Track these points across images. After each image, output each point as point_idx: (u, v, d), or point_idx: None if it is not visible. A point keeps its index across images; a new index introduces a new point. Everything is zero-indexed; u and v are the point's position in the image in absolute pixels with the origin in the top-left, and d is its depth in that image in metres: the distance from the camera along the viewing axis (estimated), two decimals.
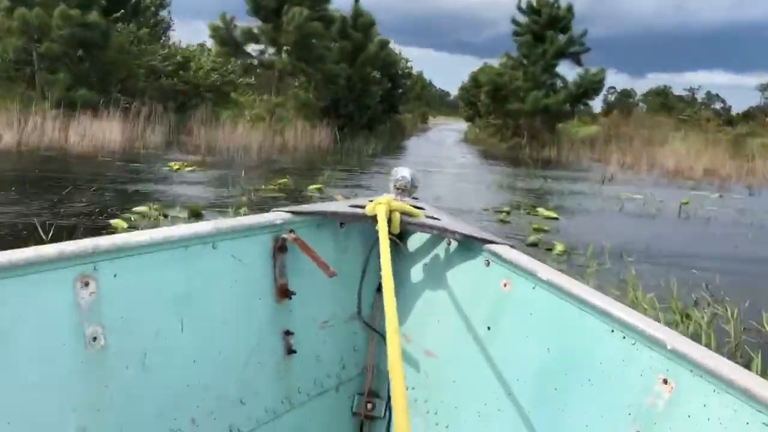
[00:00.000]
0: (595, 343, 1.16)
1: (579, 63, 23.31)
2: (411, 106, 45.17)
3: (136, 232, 1.16)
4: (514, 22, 23.87)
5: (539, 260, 1.34)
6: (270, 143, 17.47)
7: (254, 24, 19.79)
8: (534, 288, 1.28)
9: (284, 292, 1.38)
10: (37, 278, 0.98)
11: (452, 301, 1.46)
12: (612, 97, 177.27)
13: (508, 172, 15.51)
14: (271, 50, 19.72)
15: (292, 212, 1.42)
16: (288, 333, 1.41)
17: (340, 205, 1.54)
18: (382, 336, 1.46)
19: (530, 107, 22.65)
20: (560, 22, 22.96)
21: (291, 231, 1.39)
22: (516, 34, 23.89)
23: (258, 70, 21.23)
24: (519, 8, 23.66)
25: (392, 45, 25.66)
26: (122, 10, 19.79)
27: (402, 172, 1.62)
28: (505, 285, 1.36)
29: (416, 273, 1.56)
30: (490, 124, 25.87)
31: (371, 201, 1.47)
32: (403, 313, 1.46)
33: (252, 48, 19.62)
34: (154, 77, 20.58)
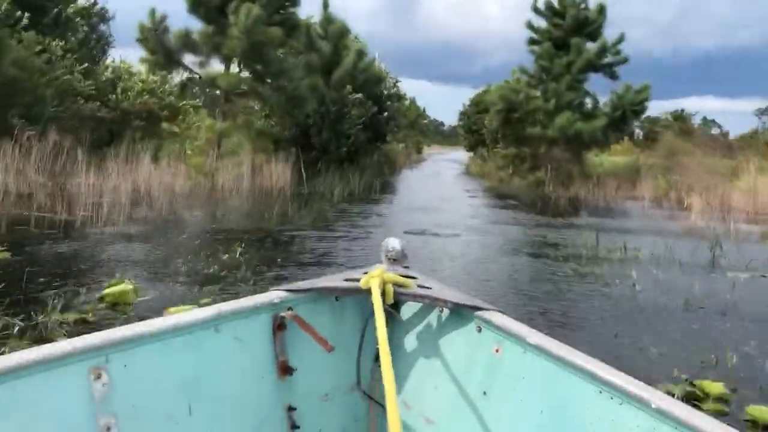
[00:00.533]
0: (584, 404, 1.19)
1: (613, 77, 18.23)
2: (403, 135, 40.96)
3: (144, 322, 1.21)
4: (530, 26, 18.86)
5: (529, 325, 1.37)
6: (204, 186, 12.24)
7: (195, 27, 14.55)
8: (525, 352, 1.33)
9: (285, 369, 1.44)
10: (52, 375, 1.04)
11: (448, 368, 1.50)
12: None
13: (548, 230, 9.99)
14: (215, 62, 14.50)
15: (290, 290, 1.50)
16: (291, 408, 1.46)
17: (335, 279, 1.59)
18: (382, 406, 1.41)
19: (556, 133, 17.49)
20: (588, 26, 17.96)
21: (289, 308, 1.46)
22: (532, 42, 18.83)
23: (195, 89, 15.99)
24: (535, 9, 18.66)
25: (377, 63, 20.52)
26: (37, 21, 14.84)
27: (392, 243, 1.70)
28: (497, 350, 1.42)
29: (411, 341, 1.60)
30: (500, 153, 20.64)
31: (365, 273, 1.53)
32: (401, 381, 1.51)
33: (190, 59, 14.39)
34: (71, 100, 15.45)
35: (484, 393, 1.42)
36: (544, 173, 18.11)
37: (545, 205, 13.73)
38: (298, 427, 1.46)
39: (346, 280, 1.55)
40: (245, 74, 14.39)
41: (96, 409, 1.10)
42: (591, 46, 18.32)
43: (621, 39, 18.19)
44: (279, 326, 1.45)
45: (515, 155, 19.52)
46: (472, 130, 31.20)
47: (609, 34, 18.07)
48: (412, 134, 45.18)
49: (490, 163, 24.14)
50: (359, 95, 16.74)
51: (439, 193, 16.19)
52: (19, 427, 1.00)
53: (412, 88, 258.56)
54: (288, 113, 14.53)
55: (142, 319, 1.36)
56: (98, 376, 1.11)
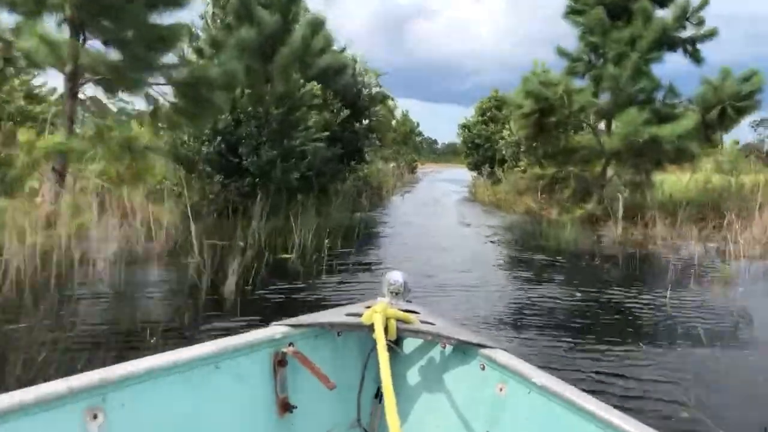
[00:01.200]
0: None
1: (696, 58, 12.02)
2: (393, 152, 35.17)
3: (142, 359, 1.16)
4: None
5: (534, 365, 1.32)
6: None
7: None
8: (529, 392, 1.31)
9: (286, 406, 1.42)
10: (47, 416, 1.01)
11: (450, 406, 1.48)
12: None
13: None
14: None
15: (291, 325, 1.47)
16: None
17: (336, 313, 1.56)
18: None
19: (618, 143, 11.25)
20: None
21: (290, 344, 1.43)
22: (573, 12, 12.60)
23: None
24: None
25: (350, 55, 14.28)
26: None
27: (395, 276, 1.65)
28: (501, 389, 1.39)
29: (413, 378, 1.58)
30: (530, 174, 14.31)
31: (367, 308, 1.51)
32: (402, 418, 1.45)
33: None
34: None
35: None
36: (597, 202, 11.75)
37: (647, 266, 7.33)
38: None
39: (348, 315, 1.53)
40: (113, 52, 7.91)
41: None
42: (663, 14, 12.05)
43: (705, 3, 11.95)
44: (280, 362, 1.42)
45: (553, 176, 13.10)
46: (476, 145, 24.94)
47: None
48: (405, 151, 39.90)
49: (505, 185, 17.78)
50: (315, 85, 10.35)
51: (447, 239, 9.93)
52: None
53: (404, 106, 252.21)
54: (188, 117, 8.03)
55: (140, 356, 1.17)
56: (94, 417, 1.08)
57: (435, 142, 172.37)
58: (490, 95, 25.08)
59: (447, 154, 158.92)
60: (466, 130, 26.42)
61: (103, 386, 1.10)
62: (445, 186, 30.86)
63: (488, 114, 24.50)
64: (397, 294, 1.64)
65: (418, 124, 44.73)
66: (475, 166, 26.16)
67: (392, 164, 34.86)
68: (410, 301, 1.66)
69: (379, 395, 1.52)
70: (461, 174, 53.23)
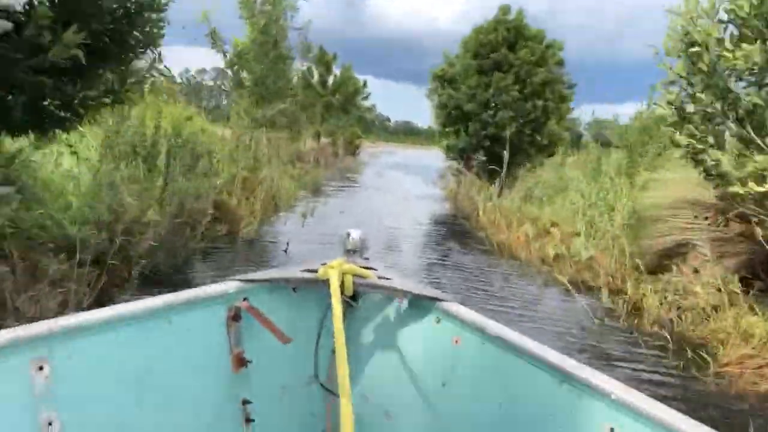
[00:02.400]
0: (544, 395, 1.17)
1: None
2: (332, 125, 26.54)
3: (90, 312, 1.13)
4: None
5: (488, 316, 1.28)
6: None
7: None
8: (484, 343, 1.30)
9: (240, 361, 1.39)
10: None
11: (407, 359, 1.48)
12: None
13: None
14: None
15: (245, 280, 1.43)
16: (246, 402, 1.41)
17: (292, 270, 1.52)
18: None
19: None
20: None
21: (245, 299, 1.40)
22: None
23: None
24: None
25: None
26: None
27: (353, 234, 1.63)
28: (456, 341, 1.38)
29: (370, 333, 1.56)
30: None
31: (323, 264, 1.47)
32: (359, 373, 1.50)
33: None
34: None
35: (443, 384, 1.41)
36: None
37: None
38: (253, 421, 1.41)
39: (304, 270, 1.49)
40: None
41: (37, 402, 1.03)
42: None
43: None
44: (234, 317, 1.39)
45: None
46: (465, 115, 13.07)
47: None
48: (344, 123, 27.55)
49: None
50: None
51: None
52: None
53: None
54: None
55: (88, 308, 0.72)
56: (40, 368, 1.05)
57: (388, 119, 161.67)
58: (497, 16, 13.13)
59: (399, 133, 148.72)
60: (446, 87, 14.25)
61: (49, 337, 1.05)
62: (402, 180, 19.86)
63: (495, 53, 12.50)
64: (354, 252, 1.62)
65: (365, 84, 30.87)
66: (461, 153, 14.13)
67: (313, 141, 23.37)
68: (368, 258, 1.64)
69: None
70: (421, 158, 40.90)
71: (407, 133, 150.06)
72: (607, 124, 13.14)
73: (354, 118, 29.94)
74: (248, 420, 1.42)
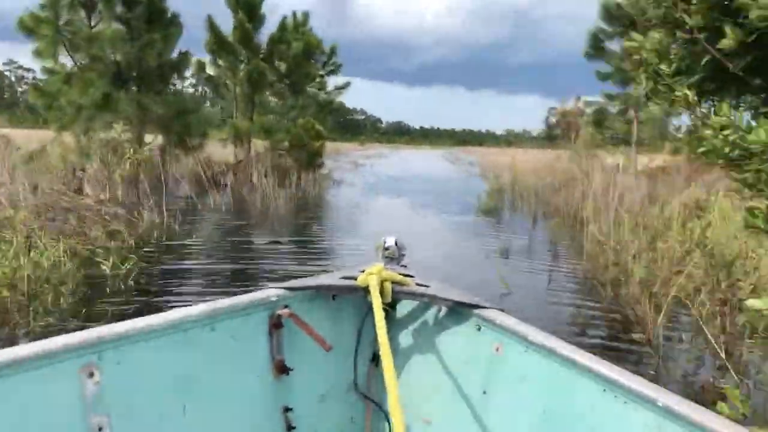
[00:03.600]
0: (587, 403, 1.16)
1: None
2: (270, 117, 15.32)
3: (137, 319, 1.17)
4: None
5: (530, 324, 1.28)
6: None
7: None
8: (526, 351, 1.30)
9: (282, 368, 1.41)
10: (43, 372, 1.01)
11: (446, 367, 1.47)
12: (554, 118, 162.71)
13: None
14: None
15: (287, 288, 1.45)
16: (287, 409, 1.42)
17: (332, 277, 1.54)
18: (379, 406, 1.50)
19: None
20: None
21: (286, 306, 1.42)
22: None
23: None
24: None
25: None
26: None
27: (390, 240, 1.67)
28: (497, 349, 1.38)
29: (409, 340, 1.56)
30: None
31: (362, 271, 1.49)
32: (398, 380, 1.41)
33: None
34: None
35: (484, 392, 1.39)
36: None
37: None
38: (294, 428, 1.42)
39: (344, 278, 1.51)
40: None
41: (88, 408, 1.06)
42: None
43: None
44: (275, 325, 1.40)
45: None
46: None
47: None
48: (289, 109, 16.44)
49: None
50: None
51: None
52: (8, 426, 0.96)
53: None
54: None
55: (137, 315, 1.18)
56: (90, 374, 1.07)
57: (379, 120, 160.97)
58: None
59: (391, 134, 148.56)
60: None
61: (99, 344, 1.09)
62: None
63: None
64: (392, 258, 1.64)
65: (333, 51, 18.86)
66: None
67: (240, 148, 14.13)
68: (405, 266, 1.65)
69: (375, 358, 1.54)
70: (420, 160, 40.73)
71: (399, 134, 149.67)
72: None
73: (311, 104, 17.35)
74: (290, 427, 1.42)
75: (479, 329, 1.43)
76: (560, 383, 1.22)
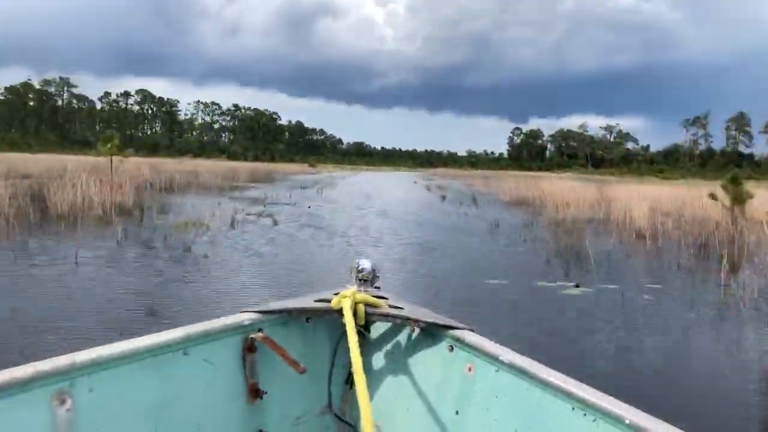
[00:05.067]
0: (558, 422, 1.18)
1: None
2: None
3: (110, 345, 1.16)
4: None
5: (501, 344, 1.35)
6: None
7: None
8: (497, 371, 1.32)
9: (256, 392, 1.40)
10: (13, 401, 0.99)
11: (420, 388, 1.48)
12: (518, 139, 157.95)
13: None
14: None
15: (260, 311, 1.45)
16: None
17: (305, 300, 1.56)
18: (354, 428, 1.52)
19: None
20: None
21: (259, 330, 1.42)
22: None
23: None
24: None
25: None
26: None
27: (363, 263, 1.66)
28: (469, 369, 1.39)
29: (383, 362, 1.57)
30: None
31: (336, 294, 1.51)
32: (373, 402, 1.45)
33: None
34: None
35: (457, 413, 1.40)
36: None
37: None
38: None
39: (317, 300, 1.53)
40: None
41: None
42: None
43: None
44: (249, 348, 1.40)
45: None
46: None
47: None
48: None
49: None
50: None
51: None
52: None
53: (309, 107, 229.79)
54: None
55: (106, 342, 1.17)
56: (62, 402, 1.05)
57: (340, 141, 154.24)
58: None
59: (352, 155, 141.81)
60: None
61: (70, 371, 1.07)
62: None
63: None
64: (365, 281, 1.64)
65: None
66: None
67: None
68: (379, 287, 1.67)
69: (349, 380, 1.54)
70: (406, 197, 28.02)
71: (361, 154, 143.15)
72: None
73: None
74: None
75: (452, 350, 1.43)
76: (531, 402, 1.23)
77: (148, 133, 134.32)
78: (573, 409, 1.14)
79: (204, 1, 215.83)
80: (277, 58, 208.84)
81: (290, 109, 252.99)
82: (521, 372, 1.25)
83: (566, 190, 23.12)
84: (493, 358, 1.31)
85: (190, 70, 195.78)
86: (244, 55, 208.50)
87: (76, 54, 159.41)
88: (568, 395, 1.15)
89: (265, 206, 16.42)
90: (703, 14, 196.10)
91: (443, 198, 26.07)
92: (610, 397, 1.10)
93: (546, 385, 1.19)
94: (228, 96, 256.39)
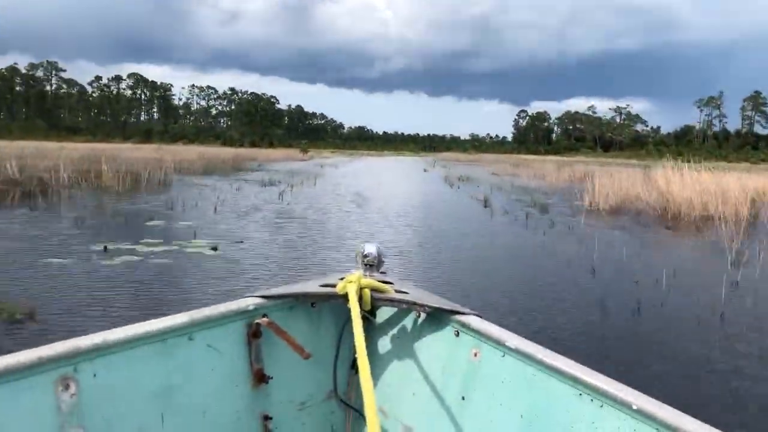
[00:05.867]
0: (564, 407, 1.17)
1: None
2: None
3: (114, 330, 1.15)
4: None
5: (508, 329, 1.33)
6: None
7: None
8: (503, 356, 1.31)
9: (261, 377, 1.40)
10: (17, 385, 1.00)
11: (425, 373, 1.48)
12: (523, 122, 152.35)
13: None
14: None
15: (265, 296, 1.45)
16: (267, 417, 1.42)
17: (311, 285, 1.55)
18: (360, 413, 1.49)
19: None
20: None
21: (264, 315, 1.41)
22: None
23: None
24: None
25: None
26: None
27: (369, 248, 1.65)
28: (475, 354, 1.38)
29: (388, 347, 1.57)
30: None
31: (341, 279, 1.50)
32: (378, 387, 1.50)
33: None
34: None
35: (463, 398, 1.39)
36: None
37: None
38: None
39: (323, 285, 1.52)
40: None
41: (64, 421, 1.05)
42: None
43: None
44: (254, 334, 1.39)
45: None
46: None
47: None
48: None
49: None
50: None
51: None
52: None
53: (310, 92, 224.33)
54: None
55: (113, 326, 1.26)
56: (66, 387, 1.05)
57: (341, 125, 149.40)
58: None
59: (353, 139, 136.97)
60: None
61: (74, 356, 1.07)
62: None
63: None
64: (371, 266, 1.63)
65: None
66: None
67: None
68: (384, 272, 1.66)
69: (355, 366, 1.51)
70: (420, 199, 17.13)
71: (362, 138, 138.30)
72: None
73: None
74: None
75: (457, 335, 1.42)
76: (537, 388, 1.23)
77: (143, 119, 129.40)
78: (580, 395, 1.14)
79: None
80: (278, 44, 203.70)
81: (292, 95, 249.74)
82: (527, 357, 1.24)
83: (636, 180, 15.28)
84: (499, 344, 1.31)
85: (191, 57, 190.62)
86: (246, 42, 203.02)
87: (76, 42, 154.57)
88: (574, 381, 1.15)
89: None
90: None
91: (485, 204, 14.42)
92: (617, 383, 1.10)
93: (552, 370, 1.19)
94: (231, 82, 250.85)
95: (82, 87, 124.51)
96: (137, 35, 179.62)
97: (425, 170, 36.59)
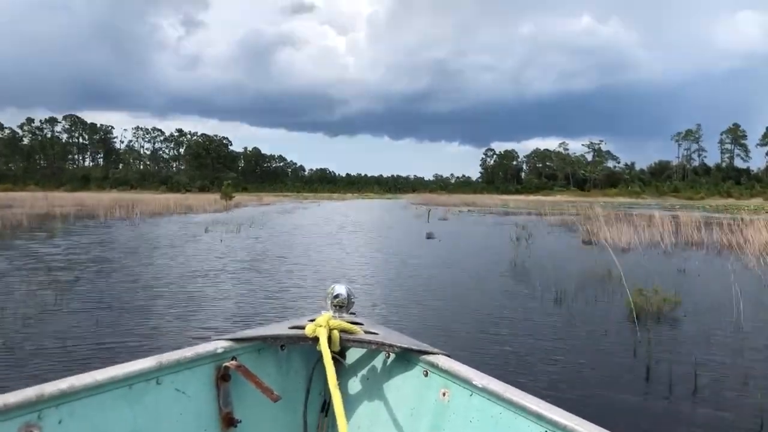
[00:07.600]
0: None
1: None
2: None
3: (80, 375, 1.11)
4: None
5: (476, 368, 1.36)
6: None
7: None
8: (471, 395, 1.32)
9: (230, 421, 1.37)
10: None
11: (395, 413, 1.47)
12: (491, 160, 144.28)
13: None
14: None
15: (233, 339, 1.43)
16: None
17: (280, 327, 1.53)
18: None
19: None
20: None
21: (233, 358, 1.39)
22: None
23: None
24: None
25: None
26: None
27: (338, 289, 1.64)
28: (444, 394, 1.38)
29: (358, 387, 1.56)
30: None
31: (311, 321, 1.50)
32: (349, 429, 1.49)
33: None
34: None
35: None
36: None
37: None
38: None
39: (292, 327, 1.50)
40: None
41: None
42: None
43: None
44: (223, 377, 1.37)
45: None
46: None
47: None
48: None
49: None
50: None
51: None
52: None
53: (270, 136, 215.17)
54: None
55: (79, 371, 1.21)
56: None
57: (302, 168, 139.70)
58: None
59: (315, 182, 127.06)
60: None
61: (38, 402, 1.02)
62: None
63: None
64: (340, 307, 1.62)
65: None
66: None
67: None
68: (354, 313, 1.66)
69: (324, 408, 1.52)
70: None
71: (324, 181, 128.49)
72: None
73: None
74: None
75: (426, 374, 1.43)
76: (505, 426, 1.24)
77: (89, 164, 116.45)
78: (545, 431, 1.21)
79: (162, 34, 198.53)
80: (238, 89, 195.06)
81: (252, 139, 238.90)
82: (495, 396, 1.26)
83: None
84: (467, 383, 1.32)
85: (150, 103, 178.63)
86: (205, 87, 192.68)
87: (31, 90, 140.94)
88: (540, 419, 1.16)
89: None
90: (656, 36, 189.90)
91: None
92: (585, 421, 1.11)
93: (520, 408, 1.21)
94: (191, 128, 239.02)
95: (13, 131, 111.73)
96: (93, 82, 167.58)
97: (429, 237, 16.44)
